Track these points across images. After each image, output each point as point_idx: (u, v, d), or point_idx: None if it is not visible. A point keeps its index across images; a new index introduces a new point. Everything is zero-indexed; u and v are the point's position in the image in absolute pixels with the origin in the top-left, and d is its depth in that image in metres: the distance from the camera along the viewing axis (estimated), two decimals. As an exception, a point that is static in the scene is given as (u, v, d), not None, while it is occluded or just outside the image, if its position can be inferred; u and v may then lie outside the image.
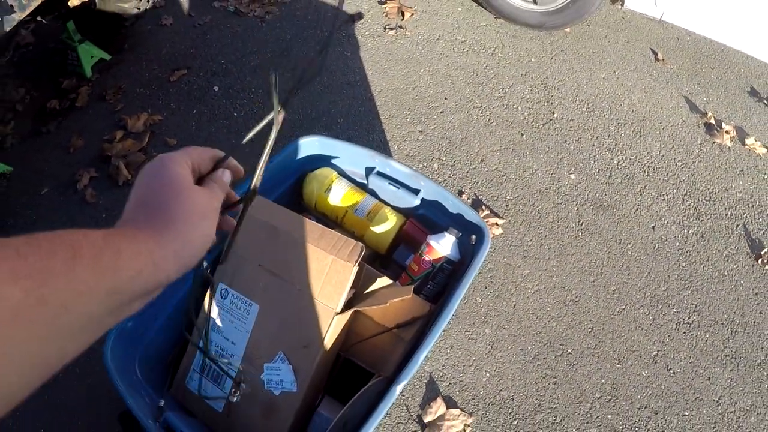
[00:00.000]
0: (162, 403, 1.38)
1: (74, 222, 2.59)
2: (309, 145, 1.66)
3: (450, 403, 1.89)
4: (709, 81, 3.14)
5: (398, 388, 1.25)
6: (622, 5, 3.05)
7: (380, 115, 2.77)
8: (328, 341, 1.33)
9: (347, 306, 1.34)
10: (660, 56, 3.20)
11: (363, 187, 1.67)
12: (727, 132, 2.85)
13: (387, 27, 3.27)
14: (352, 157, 1.67)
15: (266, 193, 1.57)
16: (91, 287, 0.44)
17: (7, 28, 2.23)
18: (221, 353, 1.43)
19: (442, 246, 1.48)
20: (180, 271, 0.56)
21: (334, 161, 1.71)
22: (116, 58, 3.30)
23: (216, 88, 2.99)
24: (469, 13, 3.37)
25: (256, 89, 2.96)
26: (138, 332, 1.45)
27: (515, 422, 1.88)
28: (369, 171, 1.64)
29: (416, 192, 1.59)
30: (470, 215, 1.50)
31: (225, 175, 0.70)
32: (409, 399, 1.89)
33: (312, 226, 1.40)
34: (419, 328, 1.41)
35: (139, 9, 3.19)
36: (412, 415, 1.86)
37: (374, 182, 1.64)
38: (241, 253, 1.43)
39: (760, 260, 2.37)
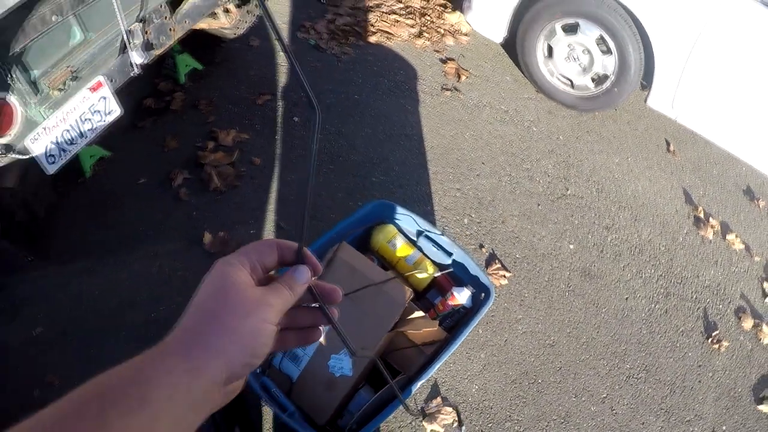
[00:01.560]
0: (259, 370, 2.30)
1: (168, 214, 3.45)
2: (380, 206, 2.57)
3: (446, 402, 2.77)
4: (709, 176, 3.99)
5: (415, 386, 2.16)
6: (645, 101, 3.88)
7: (428, 170, 3.66)
8: (377, 348, 2.23)
9: (393, 327, 2.25)
10: (672, 147, 4.04)
11: (413, 243, 2.58)
12: (712, 226, 3.69)
13: (444, 87, 4.16)
14: (409, 220, 2.57)
15: (346, 237, 2.48)
16: (127, 429, 0.51)
17: (148, 61, 3.07)
18: (302, 341, 2.34)
19: (461, 296, 2.38)
20: (230, 369, 0.59)
21: (396, 219, 2.61)
22: (207, 69, 4.15)
23: (296, 119, 3.87)
24: (516, 84, 4.25)
25: (329, 128, 3.85)
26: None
27: (490, 425, 2.76)
28: (420, 233, 2.55)
29: (450, 254, 2.49)
30: (483, 279, 2.39)
31: (298, 273, 0.69)
32: (418, 394, 2.78)
33: (378, 270, 2.31)
34: (436, 348, 2.30)
35: (235, 34, 4.04)
36: (417, 406, 2.75)
37: (422, 241, 2.55)
38: (326, 278, 2.34)
39: (710, 339, 3.20)
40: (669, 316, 3.25)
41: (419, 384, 2.21)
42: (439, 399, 2.78)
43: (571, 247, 3.41)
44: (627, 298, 3.26)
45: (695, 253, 3.55)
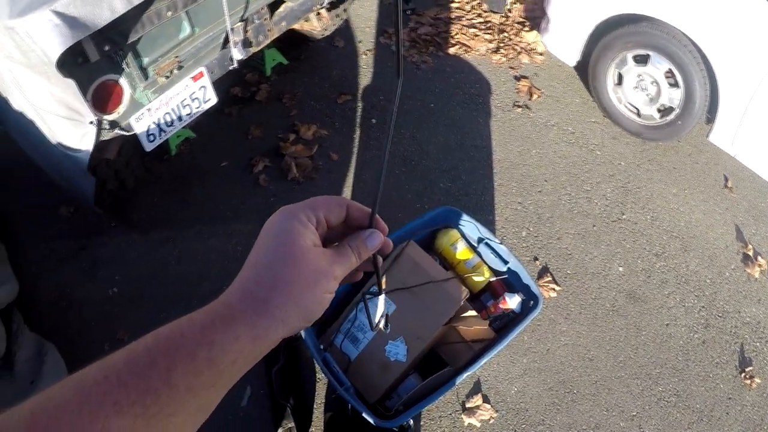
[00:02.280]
0: (322, 346, 2.56)
1: (247, 197, 3.71)
2: (447, 212, 2.82)
3: (485, 399, 3.00)
4: (763, 216, 4.09)
5: (460, 378, 2.40)
6: (707, 136, 4.01)
7: (494, 181, 3.88)
8: (431, 339, 2.48)
9: (448, 322, 2.49)
10: (729, 183, 4.15)
11: (474, 248, 2.81)
12: (759, 265, 3.80)
13: (516, 104, 4.37)
14: (472, 227, 2.81)
15: (414, 237, 2.73)
16: (191, 389, 0.54)
17: (245, 57, 3.30)
18: (362, 326, 2.60)
19: (512, 302, 2.61)
20: (287, 334, 0.62)
21: (460, 225, 2.85)
22: (293, 65, 4.38)
23: (373, 121, 4.12)
24: (584, 107, 4.43)
25: (404, 132, 4.09)
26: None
27: (523, 426, 2.97)
28: (480, 240, 2.78)
29: (506, 262, 2.72)
30: (534, 288, 2.61)
31: (370, 240, 0.71)
32: (461, 389, 3.02)
33: (439, 269, 2.56)
34: (484, 346, 2.53)
35: (323, 35, 4.28)
36: (459, 399, 2.99)
37: (482, 248, 2.78)
38: (393, 271, 2.59)
39: (743, 374, 3.31)
40: (706, 347, 3.38)
41: (464, 376, 2.43)
42: (479, 396, 3.00)
43: (620, 269, 3.59)
44: (668, 325, 3.42)
45: (739, 290, 3.67)
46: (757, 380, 3.32)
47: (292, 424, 2.84)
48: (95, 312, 3.31)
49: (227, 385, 0.59)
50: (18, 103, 2.78)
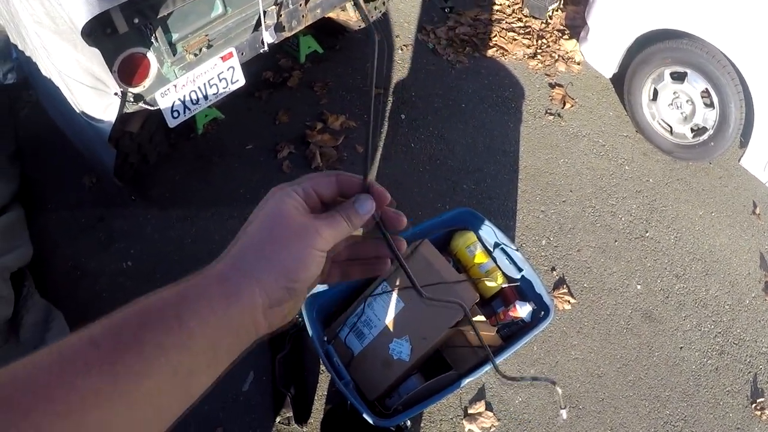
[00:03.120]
0: (326, 338, 2.53)
1: (269, 182, 3.65)
2: (466, 214, 2.77)
3: (488, 407, 2.95)
4: (790, 247, 4.02)
5: (464, 382, 2.35)
6: (739, 160, 3.92)
7: (518, 187, 3.82)
8: (437, 341, 2.43)
9: (455, 325, 2.44)
10: (758, 210, 4.04)
11: (489, 253, 2.76)
12: (782, 293, 3.73)
13: (548, 111, 4.30)
14: (489, 231, 2.75)
15: (429, 236, 2.68)
16: (161, 346, 0.53)
17: (276, 41, 3.28)
18: (369, 322, 2.56)
19: (522, 311, 2.55)
20: (268, 296, 0.60)
21: (478, 228, 2.80)
22: (328, 53, 4.36)
23: (403, 116, 4.09)
24: (617, 120, 4.35)
25: (432, 130, 4.05)
26: (322, 291, 2.59)
27: (525, 437, 2.95)
28: (497, 245, 2.73)
29: (520, 270, 2.67)
30: (546, 299, 2.55)
31: (358, 204, 0.69)
32: (464, 394, 2.97)
33: (452, 271, 2.51)
34: (491, 352, 2.49)
35: (359, 26, 4.24)
36: (462, 404, 2.94)
37: (497, 253, 2.73)
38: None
39: (754, 405, 3.23)
40: (718, 374, 3.30)
41: (467, 381, 2.39)
42: (483, 403, 2.95)
43: (639, 287, 3.52)
44: (681, 348, 3.35)
45: (758, 318, 3.58)
46: (768, 412, 3.23)
47: (290, 414, 2.83)
48: (107, 284, 3.33)
49: (204, 350, 0.57)
50: (47, 69, 2.80)
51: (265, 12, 3.04)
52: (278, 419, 2.86)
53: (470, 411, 2.93)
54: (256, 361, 3.03)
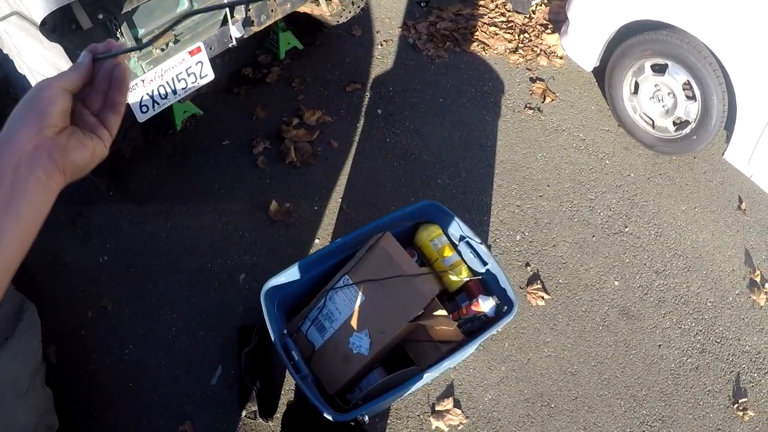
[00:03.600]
0: (285, 331, 2.48)
1: (243, 177, 3.67)
2: (431, 207, 2.71)
3: (456, 404, 2.88)
4: (777, 240, 3.94)
5: (426, 376, 2.30)
6: (723, 154, 3.82)
7: (494, 182, 3.76)
8: (397, 335, 2.37)
9: (415, 318, 2.39)
10: (743, 206, 3.95)
11: (454, 246, 2.70)
12: (766, 292, 3.64)
13: (528, 105, 4.23)
14: (455, 225, 2.70)
15: (393, 228, 2.62)
16: None
17: (245, 36, 3.26)
18: (330, 315, 2.51)
19: (485, 305, 2.49)
20: (30, 151, 0.71)
21: (443, 220, 2.74)
22: (307, 50, 4.34)
23: (379, 111, 4.03)
24: (599, 115, 4.28)
25: (409, 125, 4.00)
26: (284, 284, 2.54)
27: (494, 436, 2.89)
28: (462, 238, 2.67)
29: (485, 264, 2.60)
30: (510, 293, 2.49)
31: (82, 55, 0.81)
32: (432, 390, 2.91)
33: (413, 264, 2.45)
34: (452, 348, 2.42)
35: (338, 21, 4.21)
36: (429, 401, 2.88)
37: (462, 246, 2.67)
38: (365, 261, 2.50)
39: (736, 405, 3.13)
40: (699, 373, 3.23)
41: (428, 376, 2.34)
42: (451, 399, 2.89)
43: (616, 283, 3.45)
44: (660, 346, 3.27)
45: (742, 316, 3.50)
46: (751, 413, 3.15)
47: (255, 408, 2.80)
48: (84, 278, 3.34)
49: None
50: (20, 67, 2.81)
51: (232, 6, 3.02)
52: (244, 413, 2.82)
53: (438, 408, 2.87)
54: (224, 355, 3.01)
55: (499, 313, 2.53)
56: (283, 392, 2.94)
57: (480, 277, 2.62)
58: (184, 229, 3.50)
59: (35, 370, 2.73)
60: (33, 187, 0.69)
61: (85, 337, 3.14)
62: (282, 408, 2.88)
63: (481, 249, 2.61)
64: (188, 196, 3.65)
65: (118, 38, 2.71)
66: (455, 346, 2.41)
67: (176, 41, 2.95)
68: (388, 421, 2.83)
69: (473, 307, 2.51)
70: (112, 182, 3.71)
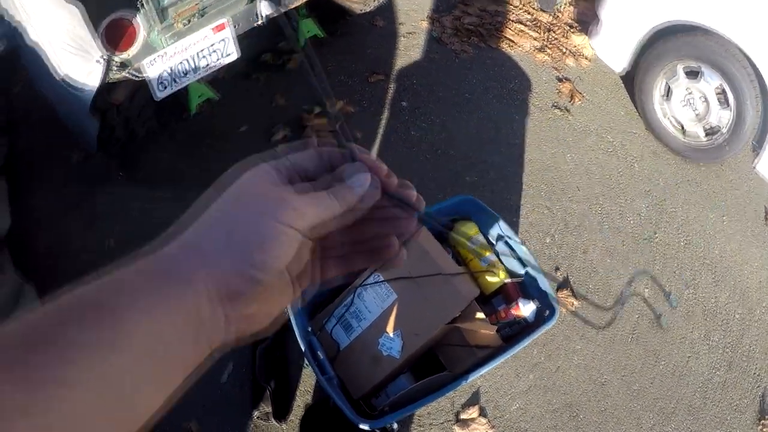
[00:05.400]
0: (310, 328, 2.28)
1: (261, 165, 3.52)
2: (469, 202, 2.53)
3: (482, 413, 2.71)
4: (804, 255, 3.78)
5: (456, 386, 2.12)
6: (755, 165, 3.68)
7: (523, 182, 3.60)
8: (431, 337, 2.18)
9: (451, 321, 2.19)
10: None
11: (491, 245, 2.51)
12: (793, 308, 3.50)
13: (555, 105, 4.07)
14: (493, 223, 2.50)
15: (427, 224, 2.43)
16: (87, 345, 0.41)
17: (272, 15, 3.10)
18: (358, 314, 2.31)
19: (526, 309, 2.30)
20: (221, 280, 0.47)
21: (480, 217, 2.55)
22: (328, 38, 4.17)
23: (404, 104, 3.87)
24: (627, 117, 4.11)
25: (435, 118, 3.83)
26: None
27: (521, 447, 2.70)
28: (500, 237, 2.48)
29: (524, 265, 2.42)
30: (552, 297, 2.31)
31: (352, 177, 0.56)
32: (457, 397, 2.73)
33: (450, 262, 2.26)
34: (488, 354, 2.23)
35: (362, 10, 4.04)
36: (453, 408, 2.70)
37: (500, 246, 2.48)
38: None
39: (762, 422, 3.02)
40: (726, 388, 3.06)
41: (461, 384, 2.17)
42: (476, 408, 2.73)
43: (646, 291, 3.28)
44: (689, 358, 3.11)
45: (769, 332, 3.37)
46: (776, 432, 3.01)
47: (269, 409, 2.65)
48: (89, 262, 3.17)
49: (144, 352, 0.43)
50: (31, 36, 2.64)
51: (261, -18, 2.87)
52: (256, 414, 2.67)
53: (462, 416, 2.69)
54: (236, 351, 2.80)
55: (539, 318, 2.34)
56: (298, 393, 2.77)
57: (521, 279, 2.43)
58: (196, 217, 3.32)
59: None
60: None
61: (89, 324, 2.96)
62: (297, 411, 2.71)
63: (521, 249, 2.42)
64: (202, 182, 3.38)
65: (140, 8, 2.53)
66: (493, 352, 2.22)
67: (202, 14, 2.78)
68: (411, 428, 2.67)
69: (513, 311, 2.32)
70: (123, 164, 3.58)
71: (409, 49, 4.27)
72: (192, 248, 0.49)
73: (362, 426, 2.03)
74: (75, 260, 3.16)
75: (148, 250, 0.49)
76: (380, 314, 2.26)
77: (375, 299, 2.29)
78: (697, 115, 3.75)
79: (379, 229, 0.61)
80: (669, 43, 3.68)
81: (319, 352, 2.20)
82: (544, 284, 2.36)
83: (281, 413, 2.65)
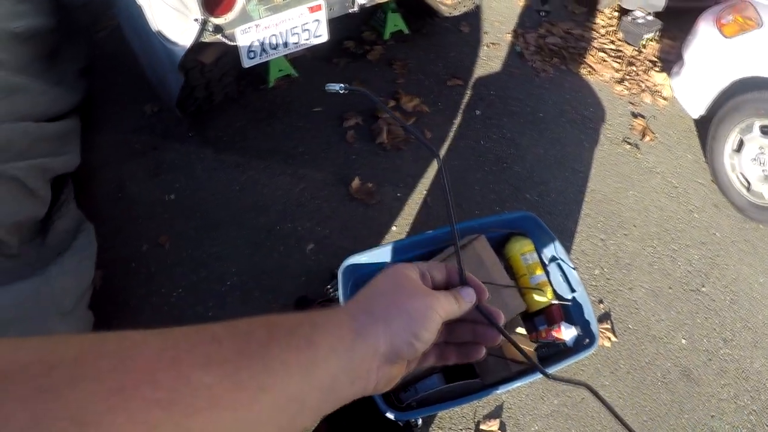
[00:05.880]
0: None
1: (329, 148, 3.57)
2: (529, 219, 2.55)
3: (502, 427, 2.74)
4: None
5: (484, 395, 2.17)
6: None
7: (581, 210, 3.61)
8: (471, 343, 2.23)
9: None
10: None
11: (544, 265, 2.54)
12: (827, 388, 3.46)
13: (626, 140, 4.07)
14: (549, 243, 2.53)
15: (486, 233, 2.47)
16: (286, 364, 0.49)
17: (367, 5, 3.16)
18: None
19: (567, 333, 2.33)
20: (392, 342, 0.59)
21: (537, 236, 2.58)
22: (412, 35, 4.24)
23: (477, 112, 3.90)
24: (694, 165, 4.09)
25: (506, 132, 3.86)
26: (363, 264, 2.40)
27: (534, 468, 2.73)
28: (553, 259, 2.51)
29: (573, 291, 2.44)
30: (594, 327, 2.33)
31: (464, 292, 0.71)
32: (480, 407, 2.77)
33: (503, 273, 2.30)
34: (522, 370, 2.27)
35: (450, 14, 4.08)
36: (475, 417, 2.73)
37: (552, 267, 2.51)
38: (454, 262, 2.35)
39: None
40: (746, 454, 3.05)
41: (491, 394, 2.21)
42: (497, 421, 2.75)
43: (683, 342, 3.27)
44: (713, 416, 3.09)
45: (799, 407, 3.33)
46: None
47: None
48: (145, 211, 3.29)
49: (321, 384, 0.53)
50: None
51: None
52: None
53: (482, 427, 2.72)
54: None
55: (577, 345, 2.37)
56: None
57: (569, 303, 2.46)
58: (258, 186, 3.41)
59: (83, 292, 2.65)
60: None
61: (134, 270, 3.07)
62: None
63: (573, 274, 2.45)
64: (269, 154, 3.56)
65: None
66: (526, 369, 2.25)
67: (301, -9, 2.85)
68: (430, 429, 2.69)
69: (554, 333, 2.35)
70: (194, 124, 3.67)
71: (491, 59, 4.30)
72: (372, 312, 0.60)
73: (389, 415, 2.07)
74: (132, 206, 3.26)
75: (333, 310, 0.60)
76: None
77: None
78: (765, 174, 3.71)
79: (471, 333, 0.75)
80: (750, 97, 3.64)
81: (358, 337, 2.25)
82: (589, 313, 2.39)
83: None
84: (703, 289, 3.50)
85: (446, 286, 0.73)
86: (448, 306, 0.66)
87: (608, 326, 3.18)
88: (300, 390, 0.51)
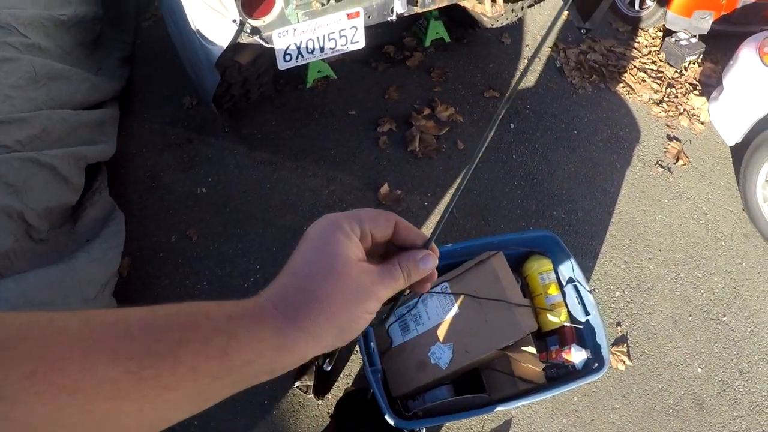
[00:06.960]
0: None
1: (361, 152, 3.63)
2: (549, 239, 2.60)
3: (509, 443, 2.80)
4: None
5: (490, 410, 2.22)
6: None
7: (607, 231, 3.64)
8: (481, 358, 2.28)
9: (504, 348, 2.28)
10: None
11: (560, 286, 2.58)
12: None
13: (659, 162, 4.07)
14: (568, 264, 2.58)
15: (505, 250, 2.52)
16: (196, 371, 0.50)
17: (405, 14, 3.19)
18: (418, 318, 2.42)
19: (576, 356, 2.37)
20: (319, 351, 0.58)
21: (557, 256, 2.62)
22: (453, 44, 4.28)
23: (512, 125, 3.94)
24: (726, 193, 4.07)
25: (539, 147, 3.89)
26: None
27: (538, 484, 2.77)
28: (570, 280, 2.55)
29: (587, 314, 2.48)
30: (604, 351, 2.37)
31: (423, 262, 0.67)
32: (488, 421, 2.82)
33: (517, 292, 2.35)
34: (529, 388, 2.32)
35: (492, 25, 4.12)
36: (483, 431, 2.79)
37: (569, 288, 2.55)
38: (470, 275, 2.40)
39: None
40: (752, 490, 3.05)
41: (497, 410, 2.27)
42: (504, 436, 2.80)
43: (699, 371, 3.27)
44: (725, 446, 3.12)
45: (812, 445, 3.32)
46: None
47: (311, 383, 2.75)
48: (176, 203, 3.36)
49: (238, 385, 0.55)
50: None
51: (402, -19, 2.99)
52: (297, 384, 2.79)
53: (490, 441, 2.78)
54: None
55: (586, 368, 2.41)
56: (341, 376, 2.89)
57: (581, 326, 2.50)
58: (289, 186, 3.48)
59: (108, 280, 2.73)
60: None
61: (161, 260, 3.15)
62: (335, 392, 2.83)
63: (588, 298, 2.49)
64: (301, 154, 3.63)
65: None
66: (534, 388, 2.30)
67: (339, -1, 2.91)
68: (437, 439, 2.75)
69: (564, 354, 2.40)
70: (230, 120, 3.74)
71: (530, 73, 4.33)
72: (304, 328, 0.57)
73: (392, 422, 2.14)
74: (164, 197, 3.36)
75: (257, 306, 0.57)
76: (438, 323, 2.37)
77: (437, 308, 2.41)
78: (796, 207, 3.70)
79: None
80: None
81: (372, 344, 2.32)
82: (601, 337, 2.42)
83: (322, 390, 2.77)
84: (724, 318, 3.50)
85: (390, 245, 0.69)
86: (389, 291, 0.64)
87: (624, 349, 3.20)
88: (209, 388, 0.52)
